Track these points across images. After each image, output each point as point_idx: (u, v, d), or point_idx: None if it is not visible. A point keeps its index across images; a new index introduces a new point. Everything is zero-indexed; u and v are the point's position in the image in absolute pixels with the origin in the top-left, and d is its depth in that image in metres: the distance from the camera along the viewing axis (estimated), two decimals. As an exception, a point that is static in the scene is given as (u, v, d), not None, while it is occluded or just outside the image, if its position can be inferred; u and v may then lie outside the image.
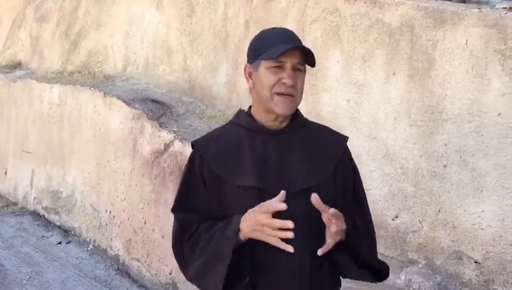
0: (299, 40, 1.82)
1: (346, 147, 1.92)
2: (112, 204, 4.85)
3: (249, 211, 1.71)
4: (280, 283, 1.75)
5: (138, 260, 4.50)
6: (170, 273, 4.19)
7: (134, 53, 5.72)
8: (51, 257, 4.98)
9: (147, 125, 4.58)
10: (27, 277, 4.59)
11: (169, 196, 4.11)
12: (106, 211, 4.92)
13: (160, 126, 4.50)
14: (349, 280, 1.93)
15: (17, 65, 7.29)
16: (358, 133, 3.46)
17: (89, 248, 5.06)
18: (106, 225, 4.90)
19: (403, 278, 3.15)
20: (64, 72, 6.29)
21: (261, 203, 1.69)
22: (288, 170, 1.78)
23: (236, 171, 1.77)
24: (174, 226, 1.87)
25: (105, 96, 5.11)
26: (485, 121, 2.93)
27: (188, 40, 5.20)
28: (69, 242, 5.27)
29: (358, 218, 1.85)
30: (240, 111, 1.92)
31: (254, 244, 1.72)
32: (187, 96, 5.14)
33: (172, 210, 1.88)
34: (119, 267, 4.69)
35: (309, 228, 1.71)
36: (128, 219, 4.63)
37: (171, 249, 1.88)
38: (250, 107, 1.89)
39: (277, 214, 1.66)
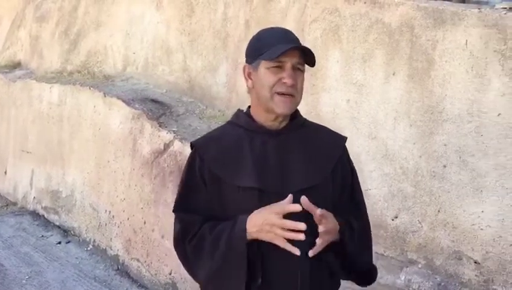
0: (298, 40, 1.82)
1: (345, 147, 1.92)
2: (111, 204, 4.85)
3: (255, 211, 1.71)
4: (281, 283, 1.74)
5: (138, 260, 4.50)
6: (170, 273, 4.19)
7: (134, 53, 5.72)
8: (50, 256, 4.97)
9: (146, 125, 4.58)
10: (27, 277, 4.58)
11: (169, 196, 4.11)
12: (106, 211, 4.91)
13: (159, 126, 4.50)
14: (349, 280, 1.94)
15: (16, 65, 7.29)
16: (358, 133, 3.45)
17: (88, 248, 5.06)
18: (106, 225, 4.90)
19: (402, 278, 3.15)
20: (64, 72, 6.29)
21: (272, 204, 1.69)
22: (287, 170, 1.78)
23: (236, 172, 1.77)
24: (175, 226, 1.87)
25: (105, 96, 5.11)
26: (484, 121, 2.92)
27: (188, 40, 5.19)
28: (68, 242, 5.26)
29: (355, 219, 1.85)
30: (239, 111, 1.92)
31: (259, 245, 1.72)
32: (187, 96, 5.14)
33: (174, 211, 1.88)
34: (119, 267, 4.68)
35: (309, 228, 1.70)
36: (128, 218, 4.63)
37: (173, 249, 1.88)
38: (249, 107, 1.89)
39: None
